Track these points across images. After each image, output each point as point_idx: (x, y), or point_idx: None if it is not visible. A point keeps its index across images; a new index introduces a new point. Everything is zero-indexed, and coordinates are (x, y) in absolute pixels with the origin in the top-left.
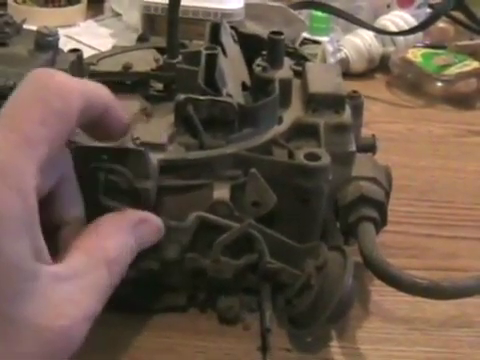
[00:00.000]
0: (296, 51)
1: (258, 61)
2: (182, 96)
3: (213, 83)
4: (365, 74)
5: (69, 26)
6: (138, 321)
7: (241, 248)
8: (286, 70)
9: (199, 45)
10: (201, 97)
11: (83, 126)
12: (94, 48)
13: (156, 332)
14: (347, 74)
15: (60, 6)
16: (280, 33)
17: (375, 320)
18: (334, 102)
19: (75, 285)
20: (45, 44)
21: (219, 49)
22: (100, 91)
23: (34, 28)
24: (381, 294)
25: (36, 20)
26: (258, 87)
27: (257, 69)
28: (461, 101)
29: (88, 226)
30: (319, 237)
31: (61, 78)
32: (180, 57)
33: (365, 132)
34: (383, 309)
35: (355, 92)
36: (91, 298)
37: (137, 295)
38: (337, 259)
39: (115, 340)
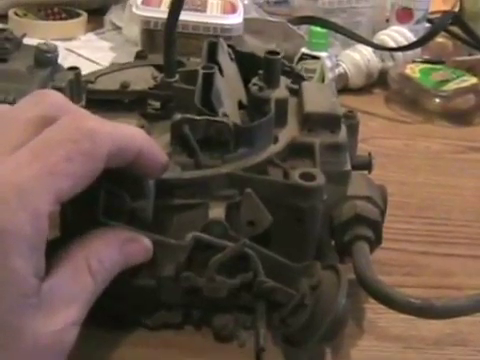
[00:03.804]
0: (293, 70)
1: (254, 80)
2: (178, 116)
3: (209, 102)
4: (363, 89)
5: (69, 39)
6: (133, 338)
7: (236, 267)
8: (282, 90)
9: (197, 63)
10: (197, 117)
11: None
12: (94, 61)
13: (151, 349)
14: (346, 89)
15: (61, 19)
16: (276, 53)
17: (370, 338)
18: (330, 122)
19: (64, 295)
20: (44, 60)
21: (216, 68)
22: (133, 135)
23: (35, 41)
24: (376, 312)
25: (37, 33)
26: (254, 106)
27: (253, 89)
28: (459, 117)
29: (76, 238)
30: (314, 256)
31: (95, 122)
32: (177, 76)
33: (363, 148)
34: (378, 327)
35: (351, 112)
36: (77, 306)
37: (133, 312)
38: (331, 278)
39: (110, 357)
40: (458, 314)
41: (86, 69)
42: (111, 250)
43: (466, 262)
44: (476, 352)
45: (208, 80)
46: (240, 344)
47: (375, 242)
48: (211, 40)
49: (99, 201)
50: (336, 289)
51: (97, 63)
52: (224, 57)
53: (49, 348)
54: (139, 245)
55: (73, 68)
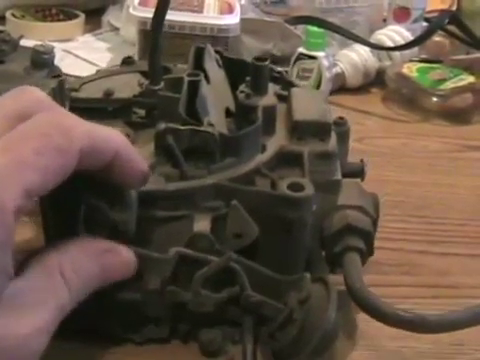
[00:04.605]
0: (282, 76)
1: (242, 87)
2: (162, 125)
3: (195, 111)
4: (361, 89)
5: (67, 40)
6: (119, 352)
7: (222, 281)
8: (270, 97)
9: (184, 69)
10: (181, 127)
11: (97, 172)
12: (92, 62)
13: None
14: (343, 89)
15: (58, 21)
16: (264, 59)
17: (365, 337)
18: (319, 130)
19: (32, 298)
20: (41, 62)
21: (202, 75)
22: (110, 136)
23: (32, 43)
24: (367, 320)
25: (34, 34)
26: (241, 114)
27: (240, 96)
28: (456, 116)
29: (53, 243)
30: (303, 268)
31: (71, 120)
32: (162, 83)
33: (360, 147)
34: (373, 327)
35: (341, 118)
36: (45, 312)
37: (119, 327)
38: (320, 292)
39: None
40: (452, 328)
41: (83, 70)
42: (87, 259)
43: (463, 261)
44: (473, 351)
45: (193, 88)
46: (228, 359)
47: (366, 253)
48: (198, 46)
49: (80, 214)
50: (326, 303)
51: (95, 64)
52: (211, 63)
53: (13, 352)
54: (119, 258)
55: (56, 76)
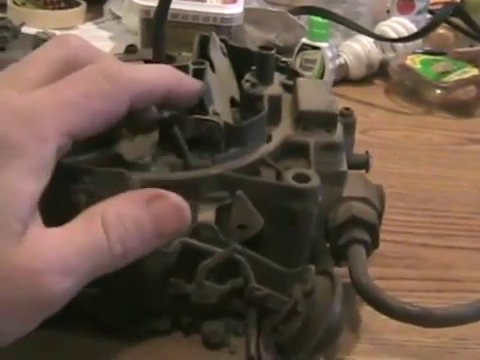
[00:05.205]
0: (288, 65)
1: (247, 76)
2: (167, 114)
3: (200, 100)
4: (364, 80)
5: (68, 29)
6: (120, 344)
7: (226, 272)
8: (276, 86)
9: (188, 58)
10: (187, 116)
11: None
12: None
13: (138, 356)
14: (346, 80)
15: (60, 9)
16: (270, 48)
17: (365, 342)
18: (325, 120)
19: (61, 236)
20: None
21: (207, 64)
22: (158, 76)
23: (33, 30)
24: (372, 313)
25: (35, 22)
26: (246, 104)
27: (246, 85)
28: (460, 109)
29: None
30: (308, 261)
31: (116, 66)
32: None
33: (363, 139)
34: (377, 320)
35: (347, 109)
36: (76, 253)
37: (121, 319)
38: (325, 284)
39: None
40: (458, 322)
41: None
42: (134, 207)
43: (467, 254)
44: (477, 346)
45: (198, 76)
46: (230, 351)
47: (372, 245)
48: (202, 34)
49: (80, 204)
50: (331, 296)
51: None
52: (216, 52)
53: (23, 288)
54: (170, 203)
55: None
